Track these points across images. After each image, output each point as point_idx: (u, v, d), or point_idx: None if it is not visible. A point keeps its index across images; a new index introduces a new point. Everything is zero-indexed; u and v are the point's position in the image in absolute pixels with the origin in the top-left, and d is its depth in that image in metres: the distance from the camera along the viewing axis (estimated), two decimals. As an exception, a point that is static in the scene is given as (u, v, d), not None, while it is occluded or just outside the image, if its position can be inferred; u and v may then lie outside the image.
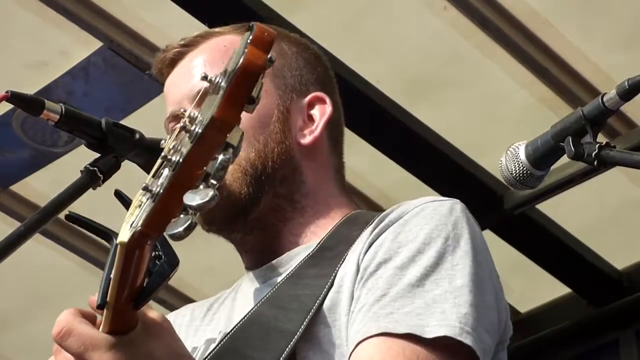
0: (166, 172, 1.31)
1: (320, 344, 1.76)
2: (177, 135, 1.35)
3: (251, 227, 1.95)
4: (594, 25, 3.81)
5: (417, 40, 3.87)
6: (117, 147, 1.82)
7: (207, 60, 2.00)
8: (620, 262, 4.58)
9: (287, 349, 1.73)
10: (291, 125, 1.98)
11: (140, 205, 1.35)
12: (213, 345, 1.83)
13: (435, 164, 4.09)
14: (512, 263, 4.36)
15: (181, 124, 1.32)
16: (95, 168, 1.79)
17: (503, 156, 1.79)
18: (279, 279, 1.89)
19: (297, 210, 1.96)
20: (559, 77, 3.94)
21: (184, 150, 1.30)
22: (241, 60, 1.29)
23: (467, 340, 1.67)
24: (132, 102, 3.81)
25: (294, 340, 1.74)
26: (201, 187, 1.29)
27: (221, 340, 1.81)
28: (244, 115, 1.90)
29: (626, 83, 1.67)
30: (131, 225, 1.34)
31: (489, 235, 4.00)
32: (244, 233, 1.96)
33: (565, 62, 3.91)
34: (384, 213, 1.85)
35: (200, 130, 1.29)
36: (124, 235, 1.35)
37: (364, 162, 4.04)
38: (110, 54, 3.82)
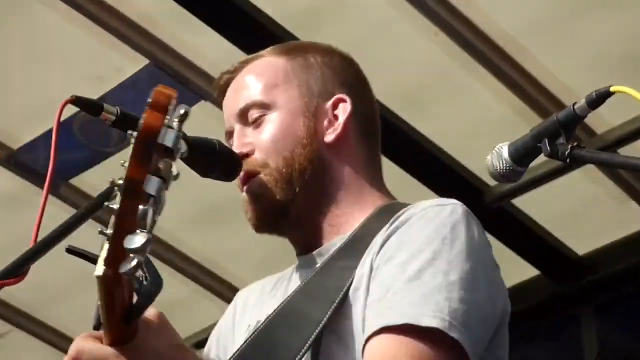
0: (112, 219, 1.32)
1: (341, 334, 1.71)
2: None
3: (294, 224, 1.90)
4: (563, 48, 3.81)
5: (413, 61, 3.87)
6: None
7: (248, 84, 1.98)
8: (581, 248, 4.57)
9: (313, 336, 1.69)
10: (317, 128, 1.92)
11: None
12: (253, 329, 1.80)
13: (427, 164, 4.09)
14: (490, 249, 4.36)
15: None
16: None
17: (489, 155, 1.78)
18: (318, 266, 1.85)
19: (332, 203, 1.90)
20: (532, 94, 3.92)
21: (115, 207, 1.31)
22: (140, 123, 1.29)
23: (455, 335, 1.60)
24: (173, 110, 3.81)
25: (319, 328, 1.70)
26: (138, 232, 1.29)
27: (258, 327, 1.77)
28: (273, 127, 1.92)
29: (594, 94, 1.68)
30: (102, 261, 1.36)
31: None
32: (289, 229, 1.93)
33: (537, 80, 3.89)
34: (397, 215, 1.79)
35: (121, 190, 1.30)
36: (99, 270, 1.36)
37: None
38: (156, 70, 3.82)
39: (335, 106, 1.95)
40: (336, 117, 1.95)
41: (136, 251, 1.27)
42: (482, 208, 4.14)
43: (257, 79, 1.97)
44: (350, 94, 1.96)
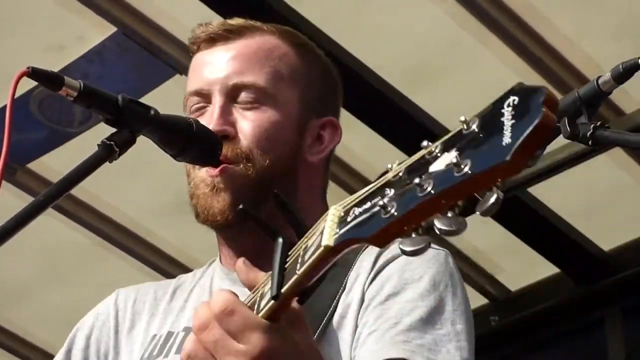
0: (410, 193, 1.27)
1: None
2: (418, 164, 1.30)
3: (245, 232, 1.92)
4: (585, 16, 3.81)
5: (417, 30, 3.87)
6: (132, 122, 1.81)
7: (253, 60, 1.97)
8: (606, 243, 4.58)
9: None
10: (302, 141, 1.98)
11: (347, 217, 1.35)
12: None
13: (432, 147, 4.08)
14: (504, 244, 4.36)
15: (435, 151, 1.27)
16: (112, 142, 1.78)
17: (501, 136, 1.78)
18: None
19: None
20: (551, 66, 3.93)
21: (443, 185, 1.24)
22: (538, 117, 1.21)
23: None
24: (144, 84, 3.81)
25: None
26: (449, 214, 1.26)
27: None
28: (267, 121, 1.94)
29: (620, 66, 1.68)
30: (337, 232, 1.36)
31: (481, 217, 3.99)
32: (237, 237, 1.96)
33: (557, 51, 3.90)
34: (379, 250, 1.87)
35: (474, 171, 1.22)
36: (330, 240, 1.36)
37: (362, 143, 4.04)
38: (123, 38, 3.81)
39: (323, 126, 2.01)
40: (320, 138, 2.01)
41: (413, 253, 1.28)
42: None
43: (265, 59, 1.98)
44: (337, 120, 2.05)
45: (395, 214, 1.27)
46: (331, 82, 2.06)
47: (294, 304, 1.50)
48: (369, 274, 1.85)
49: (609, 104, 3.95)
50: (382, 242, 1.31)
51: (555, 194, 4.36)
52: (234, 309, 1.47)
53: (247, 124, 1.94)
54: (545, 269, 4.64)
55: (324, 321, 1.81)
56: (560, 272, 4.65)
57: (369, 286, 1.84)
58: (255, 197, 1.90)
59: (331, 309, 1.83)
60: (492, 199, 1.24)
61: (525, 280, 4.76)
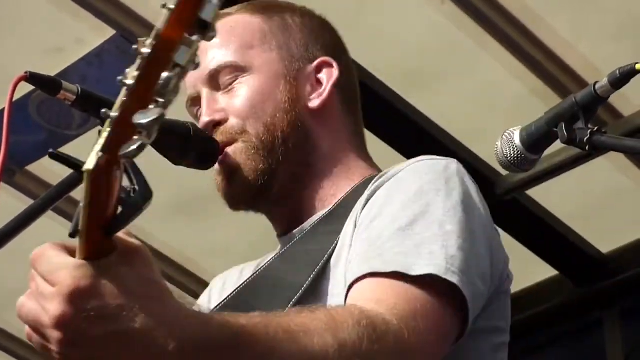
0: (121, 96, 1.26)
1: (323, 296, 1.74)
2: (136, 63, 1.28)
3: (275, 199, 1.93)
4: (583, 18, 3.81)
5: (415, 32, 3.87)
6: (130, 127, 1.81)
7: (218, 43, 1.98)
8: (605, 245, 4.58)
9: (293, 300, 1.72)
10: (299, 92, 1.95)
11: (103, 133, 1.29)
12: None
13: (431, 150, 4.06)
14: (502, 246, 4.37)
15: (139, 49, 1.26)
16: (109, 147, 1.78)
17: (499, 140, 1.79)
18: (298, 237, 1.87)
19: (315, 175, 1.93)
20: (549, 69, 3.93)
21: (135, 73, 1.24)
22: None
23: (454, 279, 1.61)
24: (143, 87, 3.80)
25: (300, 292, 1.73)
26: (151, 106, 1.24)
27: (231, 293, 1.81)
28: (250, 91, 1.92)
29: (617, 72, 1.68)
30: (97, 152, 1.27)
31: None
32: (270, 206, 1.95)
33: (555, 54, 3.90)
34: (383, 172, 1.84)
35: (148, 51, 1.23)
36: (90, 163, 1.28)
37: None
38: (122, 41, 3.81)
39: (318, 69, 1.99)
40: (319, 82, 1.98)
41: (145, 127, 1.23)
42: (492, 199, 4.15)
43: (229, 38, 1.98)
44: (334, 58, 2.00)
45: (111, 122, 1.25)
46: (312, 25, 2.03)
47: (130, 242, 1.37)
48: (363, 200, 1.79)
49: (607, 107, 3.95)
50: (113, 152, 1.26)
51: (554, 197, 4.36)
52: (41, 252, 1.39)
53: (232, 102, 1.95)
54: (544, 271, 4.64)
55: (325, 258, 1.76)
56: (559, 274, 4.65)
57: (361, 212, 1.77)
58: (266, 168, 1.90)
59: (332, 246, 1.78)
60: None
61: (524, 283, 4.75)
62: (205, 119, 1.95)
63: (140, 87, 1.25)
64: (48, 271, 1.37)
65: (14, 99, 1.77)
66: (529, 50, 3.89)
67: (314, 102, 1.96)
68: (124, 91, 1.26)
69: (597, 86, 1.69)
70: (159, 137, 1.84)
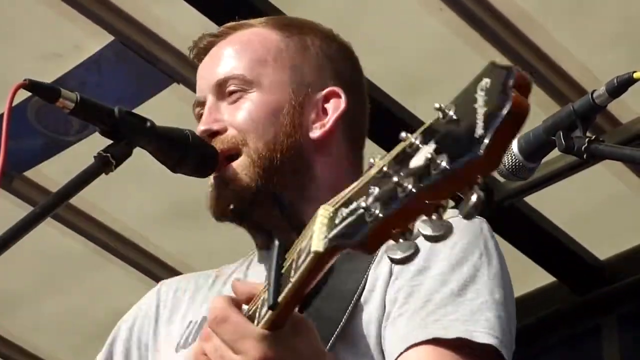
0: (392, 193, 1.20)
1: (350, 337, 1.74)
2: (400, 158, 1.25)
3: (259, 220, 1.92)
4: (582, 25, 3.81)
5: (414, 39, 3.87)
6: (129, 134, 1.81)
7: (232, 53, 1.98)
8: (602, 252, 4.58)
9: (332, 339, 1.71)
10: (303, 119, 1.93)
11: (335, 218, 1.29)
12: None
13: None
14: (500, 252, 4.36)
15: (415, 143, 1.22)
16: (108, 154, 1.78)
17: (496, 149, 1.78)
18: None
19: (311, 204, 1.88)
20: (547, 76, 3.93)
21: (427, 182, 1.17)
22: (507, 105, 1.13)
23: (504, 352, 1.69)
24: (141, 93, 3.81)
25: (338, 329, 1.72)
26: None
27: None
28: (254, 107, 1.91)
29: (615, 80, 1.68)
30: (326, 236, 1.30)
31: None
32: (254, 224, 1.93)
33: (553, 61, 3.90)
34: None
35: (450, 168, 1.16)
36: (319, 245, 1.31)
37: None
38: (121, 47, 3.82)
39: (326, 98, 1.96)
40: (325, 111, 1.95)
41: (397, 262, 1.22)
42: (490, 206, 4.15)
43: (243, 50, 1.97)
44: (344, 90, 1.97)
45: (381, 215, 1.21)
46: (331, 51, 2.01)
47: (297, 312, 1.47)
48: None
49: (605, 114, 3.95)
50: (369, 247, 1.24)
51: (552, 203, 4.36)
52: (226, 316, 1.46)
53: (235, 113, 1.94)
54: (542, 277, 4.64)
55: (354, 299, 1.75)
56: (557, 280, 4.65)
57: None
58: (259, 184, 1.89)
59: (361, 284, 1.77)
60: (473, 200, 1.16)
61: (521, 289, 4.75)
62: (201, 127, 1.94)
63: (422, 198, 1.19)
64: (233, 339, 1.45)
65: (12, 105, 1.77)
66: (527, 57, 3.89)
67: (316, 132, 1.94)
68: (394, 191, 1.20)
69: (594, 95, 1.69)
70: (157, 143, 1.85)
